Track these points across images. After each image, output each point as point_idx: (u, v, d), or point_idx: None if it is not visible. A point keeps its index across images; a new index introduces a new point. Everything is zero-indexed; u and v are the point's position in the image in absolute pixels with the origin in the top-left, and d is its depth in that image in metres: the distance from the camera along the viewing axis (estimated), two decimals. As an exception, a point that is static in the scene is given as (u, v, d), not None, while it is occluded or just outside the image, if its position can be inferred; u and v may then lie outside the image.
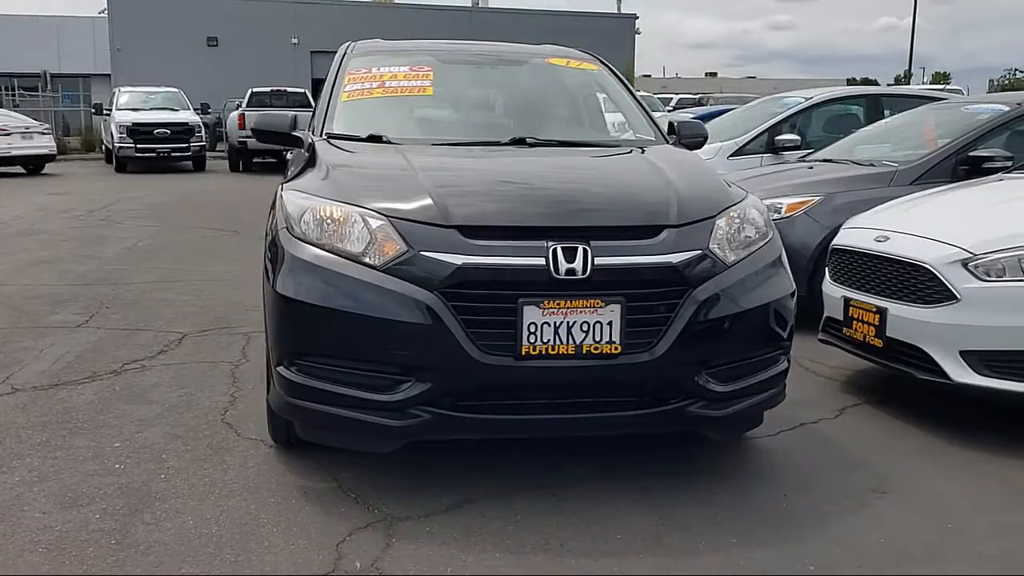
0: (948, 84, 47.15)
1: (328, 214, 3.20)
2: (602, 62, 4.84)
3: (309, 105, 21.41)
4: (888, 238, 4.21)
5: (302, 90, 22.36)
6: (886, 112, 9.41)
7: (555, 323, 2.95)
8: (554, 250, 2.97)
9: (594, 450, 3.61)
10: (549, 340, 2.96)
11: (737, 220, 3.33)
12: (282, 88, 21.99)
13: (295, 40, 33.45)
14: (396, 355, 3.01)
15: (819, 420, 4.10)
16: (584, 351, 2.98)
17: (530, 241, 3.01)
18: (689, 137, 4.38)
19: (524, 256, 2.98)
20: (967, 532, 3.02)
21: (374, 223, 3.11)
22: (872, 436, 3.93)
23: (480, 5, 37.10)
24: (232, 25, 32.62)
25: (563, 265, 2.96)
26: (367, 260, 3.07)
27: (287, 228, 3.26)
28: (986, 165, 5.76)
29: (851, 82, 78.47)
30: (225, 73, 30.16)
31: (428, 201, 3.13)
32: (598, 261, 2.99)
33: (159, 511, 3.10)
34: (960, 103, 7.29)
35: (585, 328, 2.97)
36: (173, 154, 19.71)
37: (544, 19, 35.58)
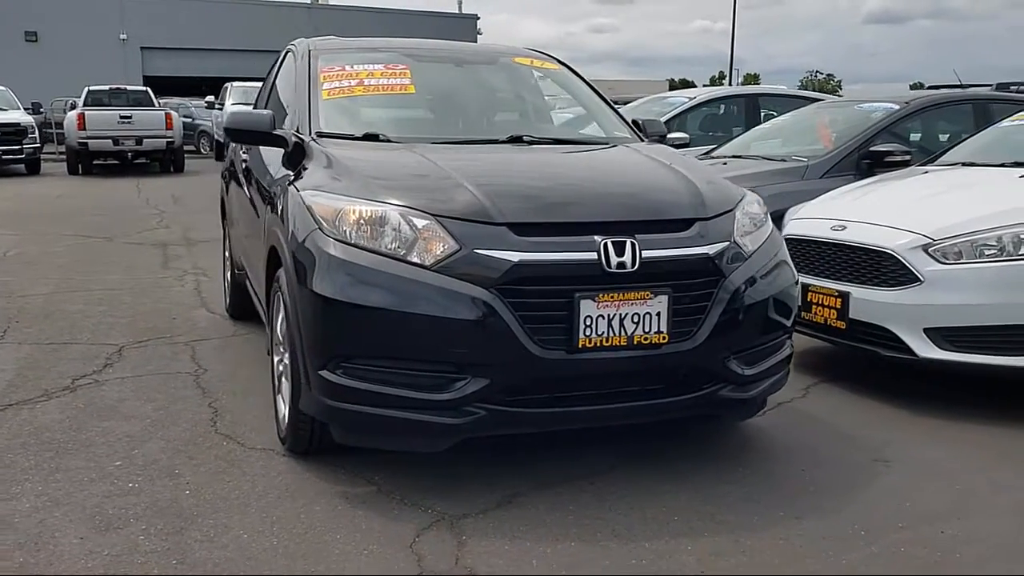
0: (759, 84, 50.09)
1: (365, 214, 3.16)
2: (560, 61, 4.94)
3: (152, 104, 20.46)
4: (845, 227, 4.52)
5: (144, 89, 21.30)
6: (762, 111, 9.99)
7: (608, 315, 3.04)
8: (604, 244, 3.06)
9: (609, 440, 3.71)
10: (603, 332, 3.04)
11: (749, 212, 3.51)
12: (122, 87, 20.90)
13: (123, 36, 31.79)
14: (452, 353, 3.02)
15: (792, 399, 4.36)
16: (635, 342, 3.08)
17: (579, 236, 3.08)
18: (654, 134, 4.54)
19: (576, 251, 3.05)
20: (975, 491, 3.32)
21: (419, 222, 3.09)
22: (845, 411, 4.22)
23: (320, 2, 36.38)
24: (53, 19, 30.66)
25: (614, 259, 3.05)
26: (414, 259, 3.05)
27: (319, 230, 3.19)
28: (887, 159, 6.25)
29: (672, 84, 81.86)
30: (47, 70, 28.35)
31: (474, 199, 3.14)
32: (645, 254, 3.09)
33: (206, 527, 2.97)
34: (850, 102, 7.84)
35: (636, 319, 3.07)
36: (4, 157, 18.35)
37: (385, 17, 35.34)
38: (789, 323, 3.56)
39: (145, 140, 18.73)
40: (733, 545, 2.88)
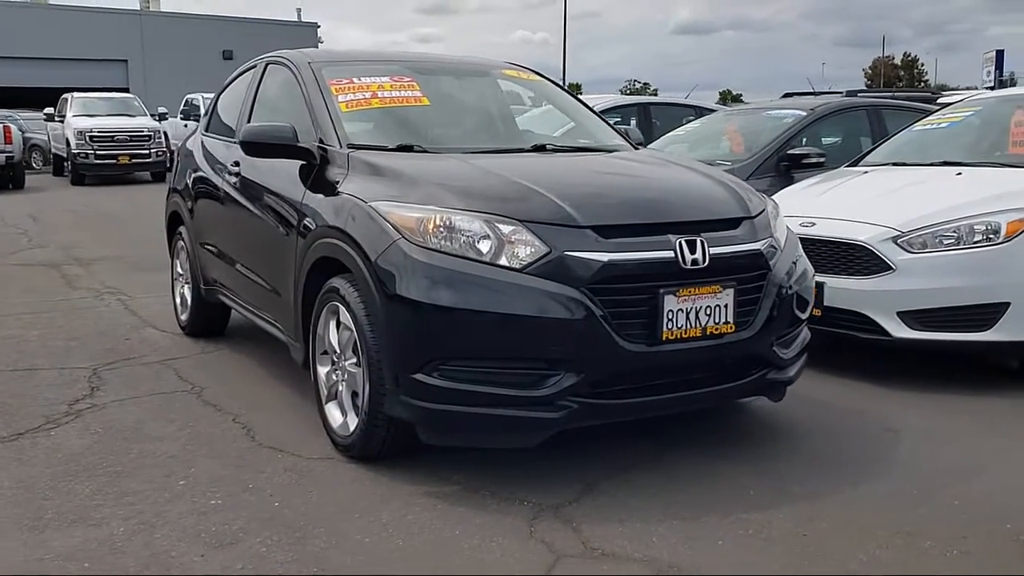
0: (581, 94, 51.97)
1: (449, 222, 3.28)
2: (538, 73, 5.16)
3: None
4: (815, 223, 4.96)
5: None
6: (655, 120, 10.54)
7: (686, 309, 3.30)
8: (679, 243, 3.31)
9: (640, 432, 3.92)
10: (682, 325, 3.29)
11: (773, 211, 3.85)
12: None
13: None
14: (546, 350, 3.19)
15: (779, 383, 4.73)
16: (707, 332, 3.35)
17: (656, 236, 3.32)
18: (636, 142, 4.84)
19: (656, 250, 3.29)
20: (986, 452, 3.77)
21: (505, 228, 3.24)
22: (836, 391, 4.61)
23: (151, 8, 34.88)
24: None
25: (688, 256, 3.31)
26: (503, 263, 3.20)
27: (404, 239, 3.28)
28: (804, 161, 6.82)
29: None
30: None
31: (555, 204, 3.32)
32: (712, 251, 3.37)
33: (322, 535, 3.01)
34: (757, 110, 8.43)
35: (708, 312, 3.34)
36: None
37: (224, 25, 34.28)
38: (809, 309, 3.92)
39: (-19, 156, 17.54)
40: (818, 511, 3.18)
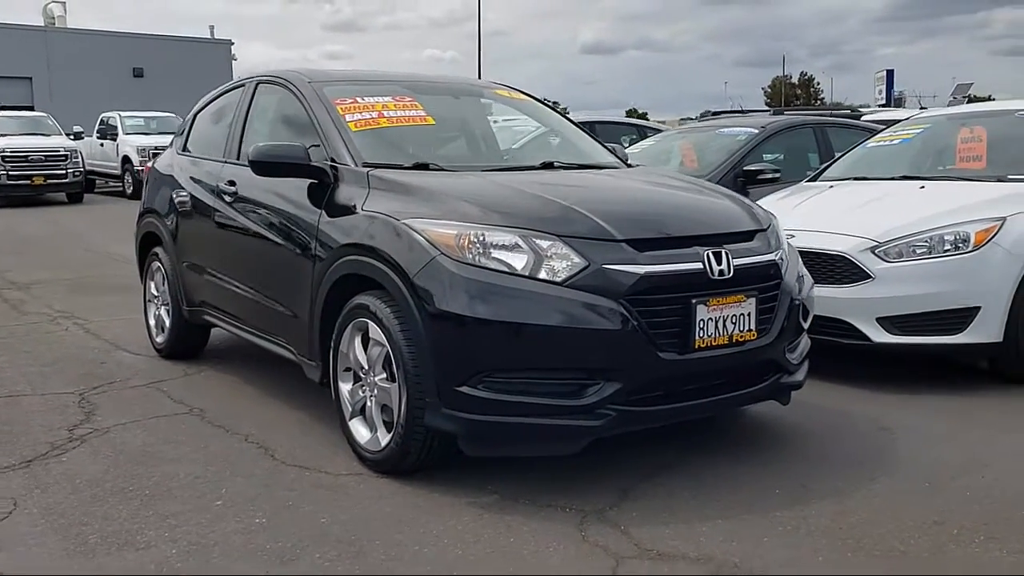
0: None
1: (487, 238, 3.37)
2: (525, 93, 5.29)
3: None
4: (794, 236, 5.18)
5: None
6: (598, 137, 10.75)
7: (715, 318, 3.45)
8: (707, 255, 3.47)
9: (650, 441, 4.06)
10: (712, 333, 3.45)
11: (777, 224, 4.05)
12: None
13: None
14: (588, 360, 3.30)
15: (766, 388, 4.94)
16: (733, 340, 3.51)
17: (685, 249, 3.47)
18: (623, 159, 5.01)
19: (686, 262, 3.44)
20: (978, 448, 4.02)
21: (543, 243, 3.35)
22: (818, 393, 4.81)
23: (57, 25, 33.80)
24: None
25: (715, 267, 3.47)
26: (543, 276, 3.31)
27: (443, 255, 3.36)
28: (760, 177, 7.11)
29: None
30: None
31: (591, 219, 3.44)
32: (735, 262, 3.54)
33: (379, 548, 3.05)
34: (709, 128, 8.73)
35: (734, 320, 3.51)
36: None
37: (131, 42, 33.44)
38: (811, 317, 4.13)
39: None
40: (845, 506, 3.37)
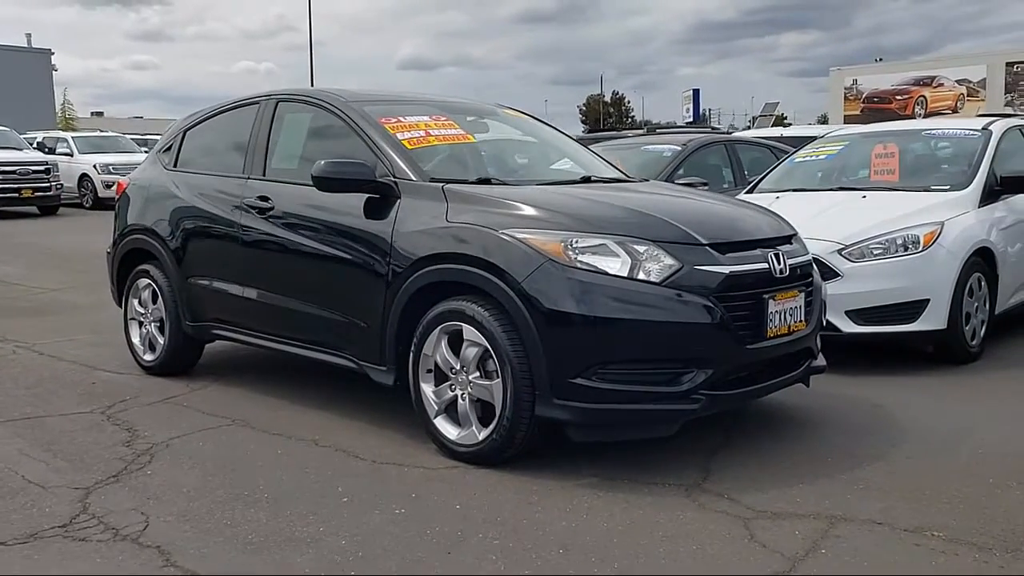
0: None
1: (589, 244, 3.75)
2: (526, 113, 5.68)
3: None
4: (766, 241, 5.82)
5: None
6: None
7: (780, 311, 3.98)
8: (770, 256, 3.99)
9: (696, 425, 4.53)
10: (778, 324, 3.97)
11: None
12: None
13: None
14: (684, 351, 3.74)
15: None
16: (791, 330, 4.05)
17: (752, 251, 3.98)
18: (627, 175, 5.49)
19: (757, 262, 3.94)
20: (961, 418, 4.71)
21: (639, 247, 3.76)
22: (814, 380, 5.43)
23: None
24: None
25: (777, 267, 3.99)
26: (641, 277, 3.72)
27: (552, 261, 3.71)
28: (690, 189, 7.77)
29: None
30: None
31: (675, 226, 3.88)
32: (789, 262, 4.08)
33: (528, 527, 3.35)
34: (634, 144, 9.35)
35: (791, 312, 4.05)
36: None
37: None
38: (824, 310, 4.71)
39: None
40: (893, 466, 3.95)
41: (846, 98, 39.35)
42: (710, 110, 73.39)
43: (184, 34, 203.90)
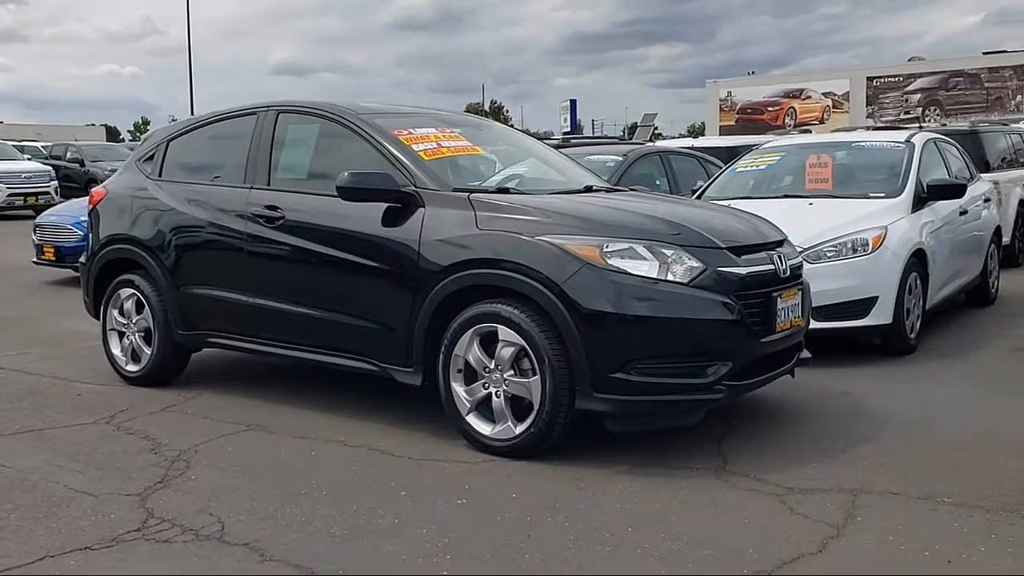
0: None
1: (621, 249, 4.06)
2: (511, 126, 5.94)
3: None
4: (729, 245, 6.26)
5: None
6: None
7: (784, 307, 4.39)
8: (774, 257, 4.39)
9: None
10: (783, 320, 4.37)
11: (777, 234, 5.06)
12: None
13: None
14: (710, 345, 4.09)
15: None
16: (792, 325, 4.46)
17: (759, 254, 4.36)
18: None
19: (765, 264, 4.33)
20: (934, 402, 5.20)
21: (666, 251, 4.09)
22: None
23: None
24: None
25: (781, 268, 4.40)
26: (670, 278, 4.05)
27: (590, 265, 3.99)
28: (635, 197, 8.20)
29: (92, 127, 77.87)
30: None
31: (695, 231, 4.23)
32: (789, 263, 4.49)
33: (589, 512, 3.61)
34: (580, 155, 9.65)
35: (792, 309, 4.46)
36: None
37: None
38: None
39: None
40: (893, 444, 4.39)
41: (721, 109, 41.29)
42: (593, 120, 75.24)
43: (40, 35, 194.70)
